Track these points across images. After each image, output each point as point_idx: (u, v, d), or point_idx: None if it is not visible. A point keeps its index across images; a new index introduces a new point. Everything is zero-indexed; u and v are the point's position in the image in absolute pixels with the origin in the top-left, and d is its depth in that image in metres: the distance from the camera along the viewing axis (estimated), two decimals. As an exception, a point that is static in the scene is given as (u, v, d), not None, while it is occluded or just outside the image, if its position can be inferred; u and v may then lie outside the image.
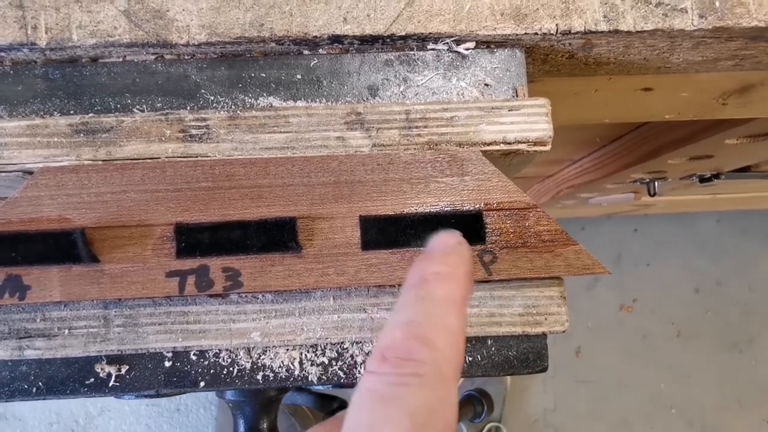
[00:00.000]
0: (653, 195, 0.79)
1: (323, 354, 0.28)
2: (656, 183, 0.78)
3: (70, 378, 0.28)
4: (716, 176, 0.75)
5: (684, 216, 1.47)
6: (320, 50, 0.30)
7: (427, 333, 0.20)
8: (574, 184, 0.87)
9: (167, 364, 0.28)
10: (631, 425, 1.40)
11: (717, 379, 1.42)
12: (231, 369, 0.28)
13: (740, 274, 1.47)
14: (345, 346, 0.28)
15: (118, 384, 0.28)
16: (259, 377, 0.28)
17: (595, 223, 1.45)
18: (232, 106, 0.29)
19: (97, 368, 0.28)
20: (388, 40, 0.29)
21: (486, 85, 0.30)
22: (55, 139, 0.27)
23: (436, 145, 0.28)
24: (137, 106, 0.29)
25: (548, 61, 0.32)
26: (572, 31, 0.29)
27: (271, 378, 0.28)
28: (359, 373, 0.28)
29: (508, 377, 1.34)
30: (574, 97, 0.40)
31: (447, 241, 0.23)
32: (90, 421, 1.31)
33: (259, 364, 0.28)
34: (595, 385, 1.41)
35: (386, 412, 0.19)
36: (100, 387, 0.28)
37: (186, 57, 0.29)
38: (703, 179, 0.77)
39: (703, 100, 0.42)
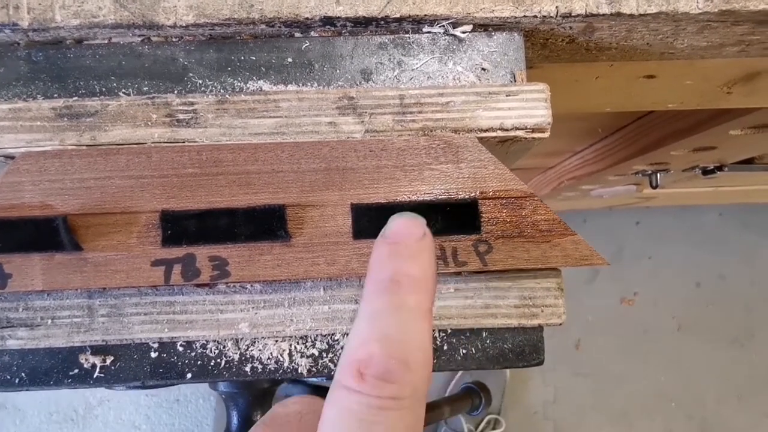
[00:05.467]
0: (655, 187, 0.78)
1: (313, 346, 0.28)
2: (659, 175, 0.77)
3: (54, 369, 0.27)
4: (719, 168, 0.74)
5: (686, 209, 1.46)
6: (312, 33, 0.29)
7: (405, 353, 0.20)
8: (575, 176, 0.86)
9: (153, 355, 0.27)
10: (630, 419, 1.40)
11: (717, 373, 1.42)
12: (219, 360, 0.27)
13: (742, 268, 1.46)
14: (336, 338, 0.28)
15: (102, 375, 0.27)
16: (248, 369, 0.27)
17: (597, 216, 1.44)
18: (221, 90, 0.28)
19: (82, 359, 0.27)
20: (382, 22, 0.28)
21: (483, 69, 0.29)
22: (38, 123, 0.27)
23: (431, 131, 0.27)
24: (123, 90, 0.28)
25: (548, 46, 0.31)
26: (573, 14, 0.28)
27: (260, 370, 0.27)
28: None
29: (508, 370, 1.34)
30: (575, 85, 0.39)
31: (414, 230, 0.22)
32: (89, 411, 1.31)
33: (248, 356, 0.27)
34: (595, 378, 1.41)
35: None
36: (84, 378, 0.27)
37: (173, 39, 0.28)
38: (706, 171, 0.75)
39: (707, 89, 0.41)
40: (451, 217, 0.26)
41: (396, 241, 0.22)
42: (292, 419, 0.27)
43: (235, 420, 0.44)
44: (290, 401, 0.29)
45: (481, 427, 1.31)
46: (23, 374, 0.27)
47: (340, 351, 0.28)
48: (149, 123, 0.27)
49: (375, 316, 0.20)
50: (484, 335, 0.28)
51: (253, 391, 0.43)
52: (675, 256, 1.46)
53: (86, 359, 0.27)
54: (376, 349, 0.20)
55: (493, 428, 1.32)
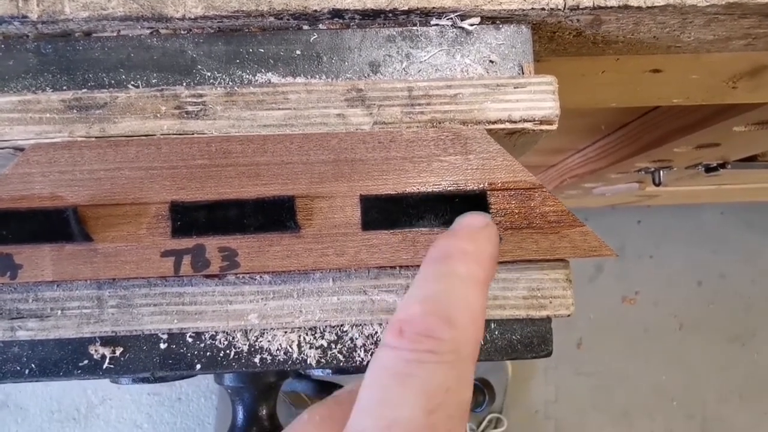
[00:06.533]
0: (658, 184, 0.78)
1: (322, 337, 0.28)
2: (661, 172, 0.77)
3: (64, 360, 0.27)
4: (722, 165, 0.74)
5: (688, 208, 1.46)
6: (320, 25, 0.29)
7: (447, 310, 0.19)
8: (578, 174, 0.86)
9: (162, 346, 0.27)
10: (632, 417, 1.40)
11: (718, 372, 1.42)
12: (228, 351, 0.27)
13: (744, 267, 1.46)
14: (344, 329, 0.28)
15: (112, 366, 0.27)
16: (257, 360, 0.27)
17: (599, 214, 1.44)
18: (230, 83, 0.28)
19: (91, 350, 0.27)
20: (390, 14, 0.28)
21: (491, 62, 0.29)
22: (47, 115, 0.27)
23: (440, 123, 0.27)
24: (132, 82, 0.28)
25: (555, 39, 0.32)
26: (581, 7, 0.28)
27: (269, 361, 0.27)
28: (359, 356, 0.28)
29: (510, 367, 1.34)
30: (581, 79, 0.39)
31: (474, 221, 0.22)
32: (91, 410, 1.31)
33: (257, 347, 0.28)
34: (596, 377, 1.41)
35: (400, 390, 0.18)
36: (94, 369, 0.27)
37: (182, 32, 0.28)
38: (708, 169, 0.75)
39: (712, 83, 0.41)
40: (460, 209, 0.26)
41: (457, 231, 0.22)
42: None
43: (240, 414, 0.44)
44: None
45: (482, 426, 1.31)
46: (33, 365, 0.27)
47: (348, 342, 0.28)
48: (158, 115, 0.27)
49: (422, 282, 0.20)
50: (492, 326, 0.28)
51: (258, 385, 0.43)
52: (676, 255, 1.46)
53: (96, 350, 0.27)
54: (417, 308, 0.19)
55: (495, 427, 1.32)
